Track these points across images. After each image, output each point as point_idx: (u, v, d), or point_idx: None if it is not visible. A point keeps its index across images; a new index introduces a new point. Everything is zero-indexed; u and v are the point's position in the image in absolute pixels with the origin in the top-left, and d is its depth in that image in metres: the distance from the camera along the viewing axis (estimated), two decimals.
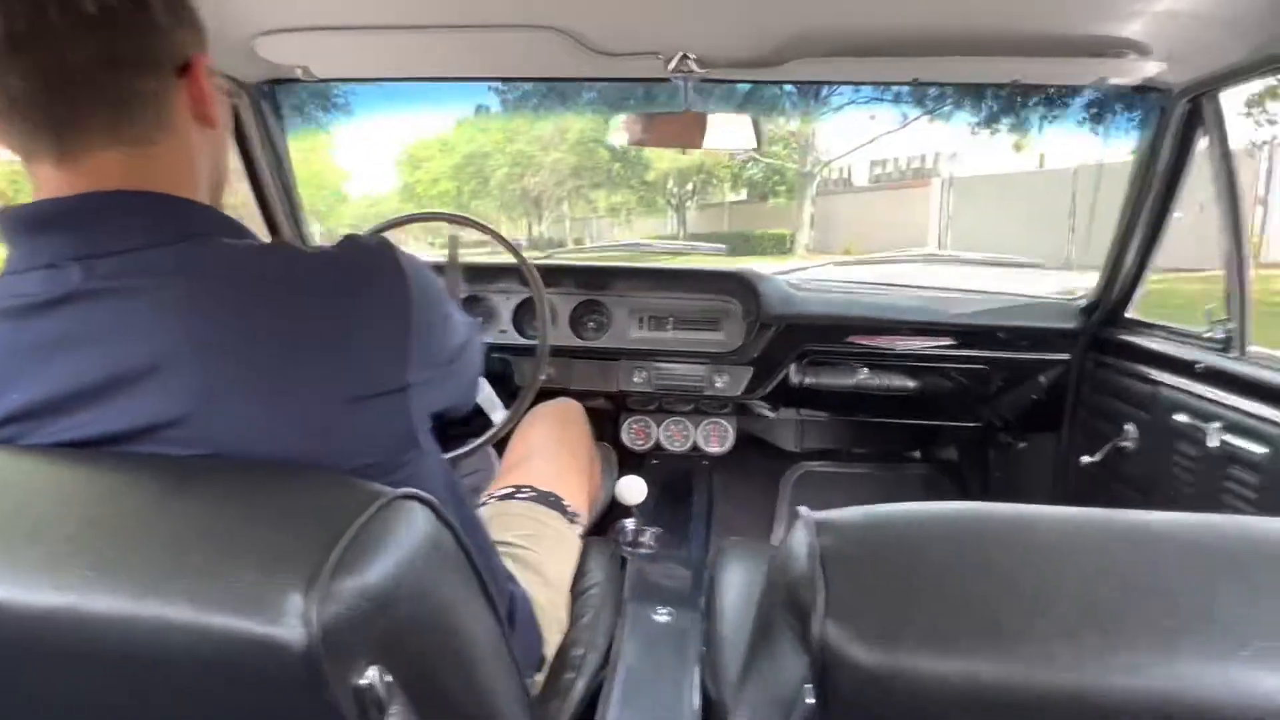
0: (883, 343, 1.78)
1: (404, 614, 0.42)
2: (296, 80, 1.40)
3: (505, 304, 1.81)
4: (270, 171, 1.62)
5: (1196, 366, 1.34)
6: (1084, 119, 1.61)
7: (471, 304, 1.79)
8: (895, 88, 1.41)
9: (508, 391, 1.43)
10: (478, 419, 1.34)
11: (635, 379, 1.83)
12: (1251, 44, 1.09)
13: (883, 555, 0.41)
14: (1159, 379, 1.44)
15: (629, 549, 1.56)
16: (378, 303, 0.58)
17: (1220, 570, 0.39)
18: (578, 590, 1.19)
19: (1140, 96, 1.39)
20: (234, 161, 1.56)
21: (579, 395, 1.77)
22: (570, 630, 1.10)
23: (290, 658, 0.35)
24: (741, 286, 1.80)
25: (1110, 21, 1.12)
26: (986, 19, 1.13)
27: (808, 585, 0.39)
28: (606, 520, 1.71)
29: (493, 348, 1.61)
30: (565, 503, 1.19)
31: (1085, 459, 1.67)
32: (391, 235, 1.23)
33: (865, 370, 1.86)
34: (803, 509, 0.44)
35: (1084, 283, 1.79)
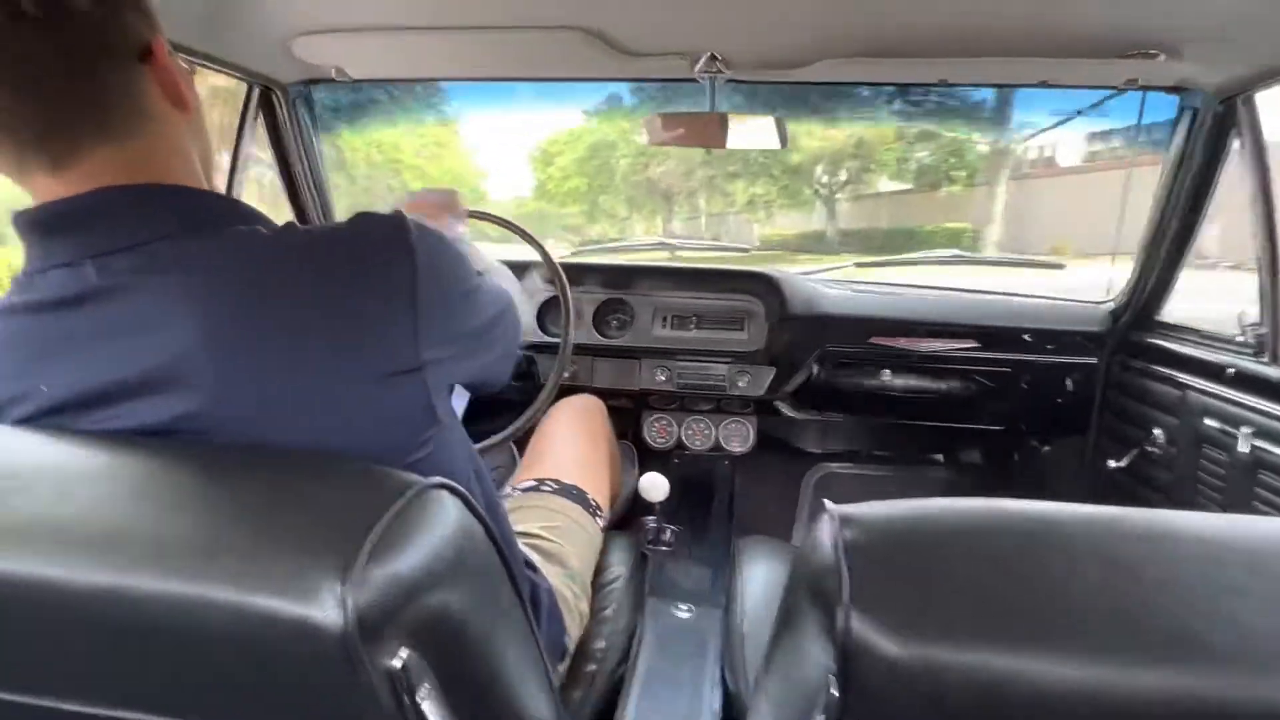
0: (905, 344, 1.77)
1: (435, 600, 0.43)
2: (331, 80, 1.43)
3: (530, 302, 1.83)
4: (304, 170, 1.66)
5: (1228, 371, 1.32)
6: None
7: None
8: None
9: (531, 388, 1.45)
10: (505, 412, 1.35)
11: (658, 377, 1.84)
12: None
13: (905, 548, 0.41)
14: (1188, 383, 1.42)
15: (650, 545, 1.57)
16: (381, 278, 0.57)
17: (1239, 568, 0.39)
18: (599, 584, 1.20)
19: (1172, 97, 1.37)
20: (265, 155, 1.60)
21: (601, 393, 1.79)
22: (591, 623, 1.12)
23: (326, 639, 0.37)
24: (765, 286, 1.80)
25: (1141, 22, 1.11)
26: (1015, 20, 1.13)
27: (832, 576, 0.40)
28: (628, 517, 1.73)
29: None
30: (588, 496, 1.20)
31: (1112, 463, 1.65)
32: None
33: (887, 371, 1.86)
34: (827, 502, 0.45)
35: None
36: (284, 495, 0.45)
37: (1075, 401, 1.78)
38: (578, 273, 1.83)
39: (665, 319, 1.84)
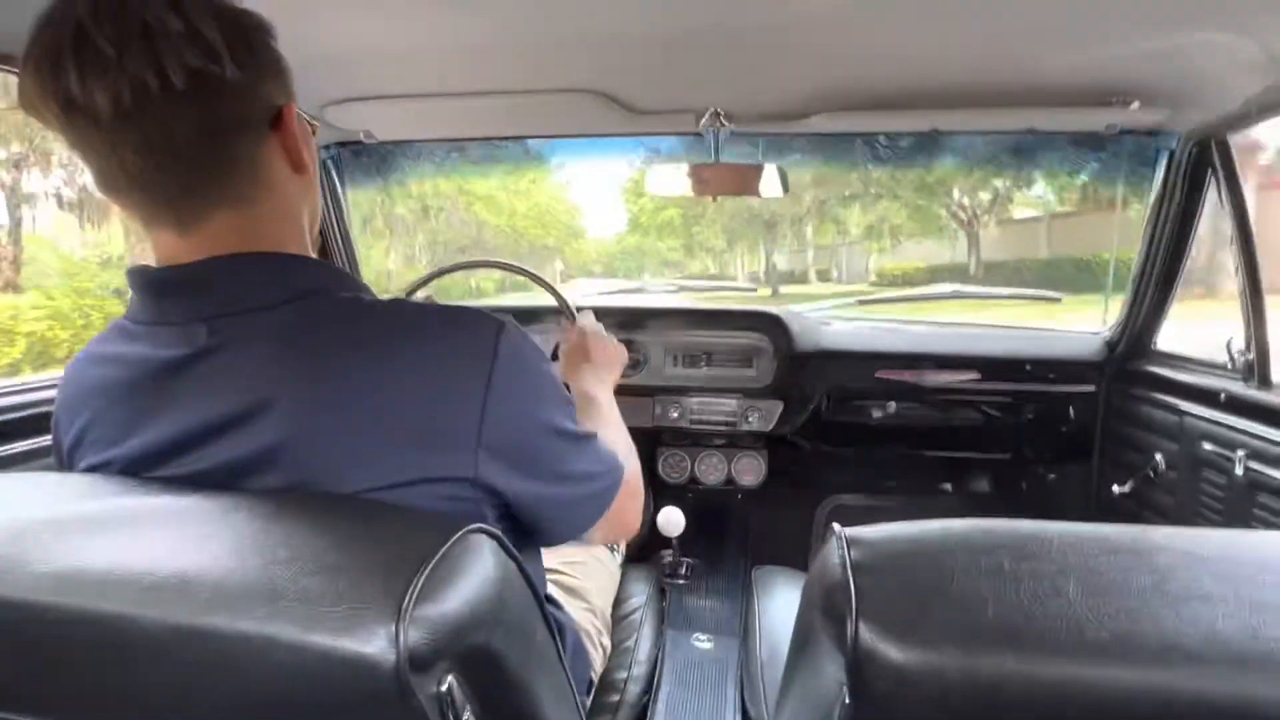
0: (910, 377, 1.82)
1: (478, 637, 0.46)
2: (359, 143, 1.53)
3: (545, 344, 1.88)
4: (334, 227, 1.75)
5: (1220, 396, 1.37)
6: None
7: None
8: None
9: None
10: None
11: (671, 414, 1.90)
12: (1248, 93, 1.15)
13: (907, 563, 0.45)
14: (1185, 409, 1.47)
15: (669, 578, 1.61)
16: (456, 378, 0.57)
17: (1215, 578, 0.42)
18: (618, 616, 1.23)
19: (1151, 140, 1.45)
20: None
21: None
22: (613, 654, 1.15)
23: (381, 674, 0.40)
24: (772, 324, 1.86)
25: (1115, 73, 1.19)
26: (999, 73, 1.21)
27: (842, 591, 0.43)
28: (645, 550, 1.76)
29: None
30: None
31: (1116, 488, 1.68)
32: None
33: (894, 404, 1.91)
34: (835, 525, 0.50)
35: None
36: (339, 539, 0.48)
37: (1078, 429, 1.82)
38: (596, 315, 1.90)
39: (677, 358, 1.91)
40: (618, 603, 1.27)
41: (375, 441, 0.55)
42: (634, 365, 1.93)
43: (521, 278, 1.51)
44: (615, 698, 1.08)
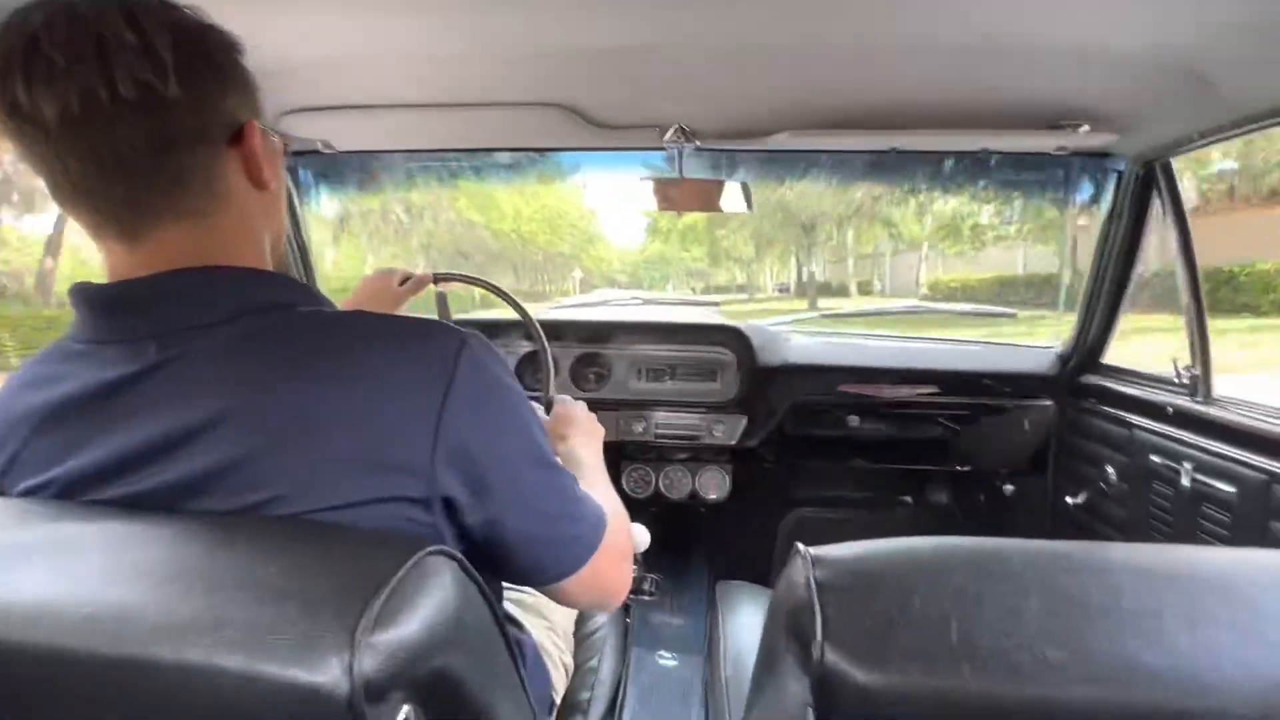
0: (871, 391, 1.85)
1: (436, 663, 0.45)
2: (317, 152, 1.50)
3: (509, 359, 1.87)
4: (290, 238, 1.70)
5: (1167, 410, 1.42)
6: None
7: None
8: None
9: None
10: None
11: (635, 428, 1.89)
12: (1190, 119, 1.20)
13: (872, 584, 0.45)
14: (1134, 422, 1.52)
15: (632, 595, 1.59)
16: (410, 393, 0.56)
17: (1168, 595, 0.44)
18: (582, 634, 1.22)
19: (1100, 162, 1.51)
20: None
21: None
22: (576, 674, 1.13)
23: (334, 704, 0.39)
24: (735, 338, 1.88)
25: (1066, 98, 1.23)
26: (954, 96, 1.24)
27: (807, 612, 0.43)
28: None
29: None
30: None
31: (1070, 500, 1.73)
32: None
33: (855, 418, 1.93)
34: (799, 544, 0.50)
35: None
36: (288, 564, 0.46)
37: (1033, 442, 1.87)
38: (555, 329, 1.89)
39: (641, 371, 1.90)
40: (580, 621, 1.25)
41: (329, 459, 0.53)
42: (598, 379, 1.92)
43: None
44: (578, 718, 1.06)
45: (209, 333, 0.55)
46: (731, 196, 1.47)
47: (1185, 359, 1.41)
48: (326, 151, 1.49)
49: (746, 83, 1.22)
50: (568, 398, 1.14)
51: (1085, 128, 1.28)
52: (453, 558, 0.50)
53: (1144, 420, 1.49)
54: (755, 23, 1.01)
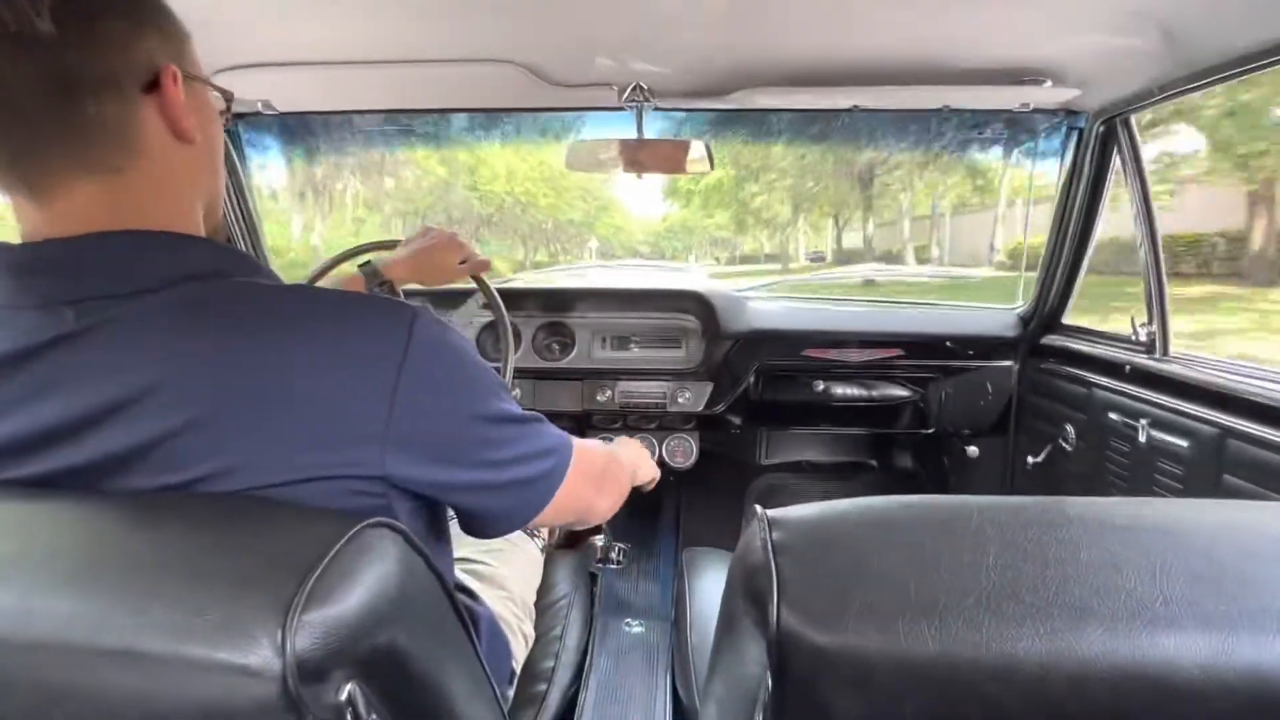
0: (836, 355, 1.85)
1: (381, 638, 0.43)
2: (257, 114, 1.42)
3: (468, 329, 1.83)
4: (232, 202, 1.63)
5: (1125, 368, 1.43)
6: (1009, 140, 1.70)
7: None
8: None
9: None
10: None
11: (599, 398, 1.87)
12: (1151, 73, 1.20)
13: (828, 544, 0.44)
14: (1093, 380, 1.54)
15: (599, 564, 1.59)
16: (359, 371, 0.53)
17: (1124, 546, 0.43)
18: (545, 604, 1.21)
19: (1060, 119, 1.50)
20: None
21: (545, 415, 1.80)
22: (539, 643, 1.12)
23: (266, 686, 0.37)
24: (698, 304, 1.86)
25: (1028, 52, 1.21)
26: (917, 51, 1.22)
27: (763, 575, 0.42)
28: (577, 537, 1.74)
29: None
30: None
31: (1031, 459, 1.75)
32: None
33: (821, 382, 1.93)
34: (758, 507, 0.48)
35: None
36: (217, 540, 0.44)
37: (995, 403, 1.89)
38: (516, 298, 1.85)
39: (604, 340, 1.88)
40: (543, 591, 1.24)
41: (269, 436, 0.50)
42: (562, 349, 1.89)
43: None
44: (542, 687, 1.05)
45: (134, 301, 0.51)
46: (696, 157, 1.44)
47: (1142, 317, 1.42)
48: (267, 113, 1.41)
49: (704, 39, 1.19)
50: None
51: (1048, 83, 1.27)
52: (394, 529, 0.48)
53: (1103, 379, 1.51)
54: None
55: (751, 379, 1.89)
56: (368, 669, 0.42)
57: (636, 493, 1.08)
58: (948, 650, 0.38)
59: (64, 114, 0.50)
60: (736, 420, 2.00)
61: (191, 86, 0.55)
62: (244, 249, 1.68)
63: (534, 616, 1.16)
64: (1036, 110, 1.42)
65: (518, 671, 1.03)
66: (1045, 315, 1.77)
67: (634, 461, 1.03)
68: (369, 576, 0.43)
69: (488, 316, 1.80)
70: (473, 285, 1.45)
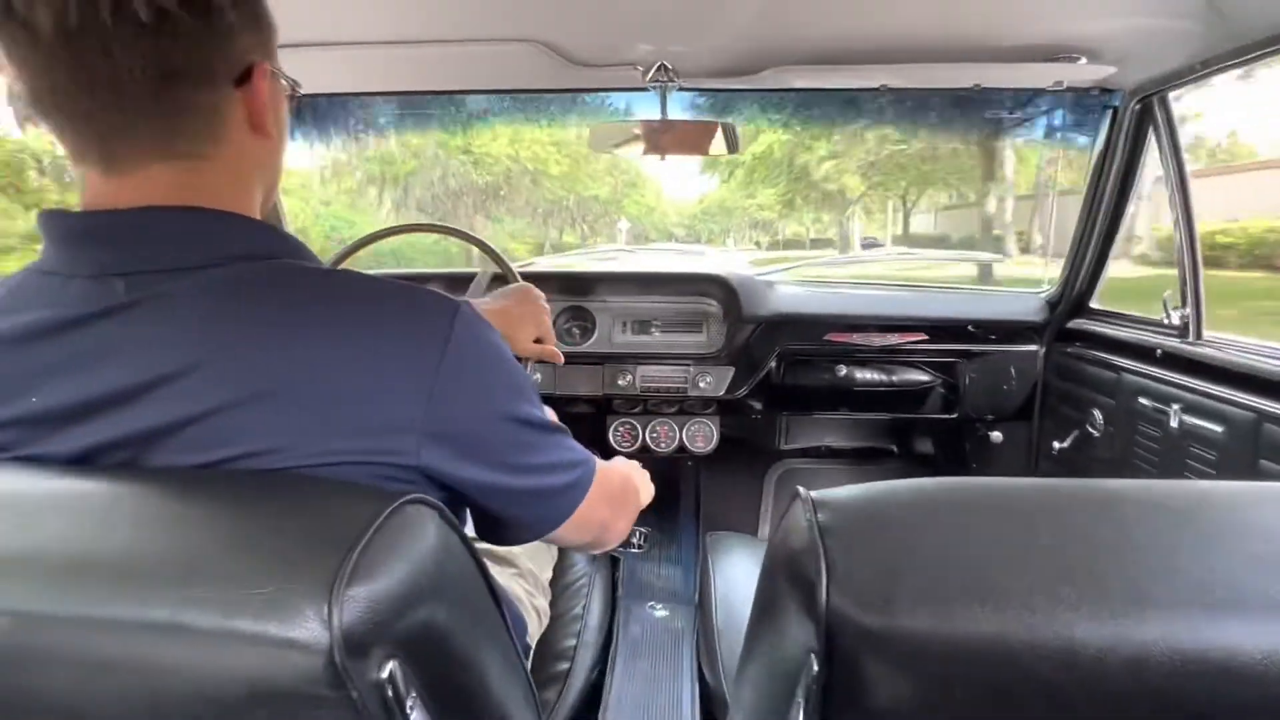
0: (858, 339, 1.83)
1: (420, 614, 0.43)
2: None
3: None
4: None
5: (1157, 352, 1.41)
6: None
7: None
8: None
9: None
10: None
11: (620, 382, 1.86)
12: (1192, 50, 1.16)
13: (876, 526, 0.44)
14: (1123, 365, 1.51)
15: (621, 548, 1.59)
16: (402, 361, 0.53)
17: (1180, 529, 0.43)
18: (564, 584, 1.22)
19: (1095, 97, 1.46)
20: None
21: (565, 400, 1.81)
22: (558, 622, 1.13)
23: (313, 659, 0.37)
24: (721, 288, 1.84)
25: (1064, 28, 1.18)
26: (950, 28, 1.19)
27: (809, 557, 0.42)
28: None
29: None
30: None
31: (1056, 445, 1.73)
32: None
33: (843, 367, 1.92)
34: (800, 488, 0.48)
35: None
36: (259, 516, 0.44)
37: (1019, 388, 1.87)
38: (536, 281, 1.84)
39: (625, 324, 1.87)
40: (561, 570, 1.24)
41: (308, 419, 0.51)
42: (583, 333, 1.88)
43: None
44: (564, 665, 1.06)
45: (184, 277, 0.52)
46: (720, 138, 1.42)
47: (1175, 299, 1.40)
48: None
49: (731, 17, 1.16)
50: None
51: (1083, 60, 1.23)
52: (432, 506, 0.48)
53: (1132, 363, 1.48)
54: None
55: (773, 363, 1.87)
56: (407, 647, 0.42)
57: (652, 473, 1.08)
58: (1003, 633, 0.38)
59: (161, 100, 0.51)
60: (757, 405, 1.99)
61: (274, 81, 0.57)
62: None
63: (549, 594, 1.17)
64: (1070, 88, 1.39)
65: (532, 647, 1.03)
66: (1073, 299, 1.74)
67: (644, 491, 1.03)
68: (410, 552, 0.43)
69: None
70: (478, 269, 1.45)
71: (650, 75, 1.36)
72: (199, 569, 0.40)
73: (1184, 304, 1.38)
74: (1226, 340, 1.32)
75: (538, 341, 1.16)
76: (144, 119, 0.51)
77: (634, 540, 1.68)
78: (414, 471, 0.54)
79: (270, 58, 0.57)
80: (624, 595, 1.45)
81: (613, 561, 1.41)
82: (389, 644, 0.41)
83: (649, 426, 2.02)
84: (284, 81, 0.60)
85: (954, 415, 2.01)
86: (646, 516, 1.78)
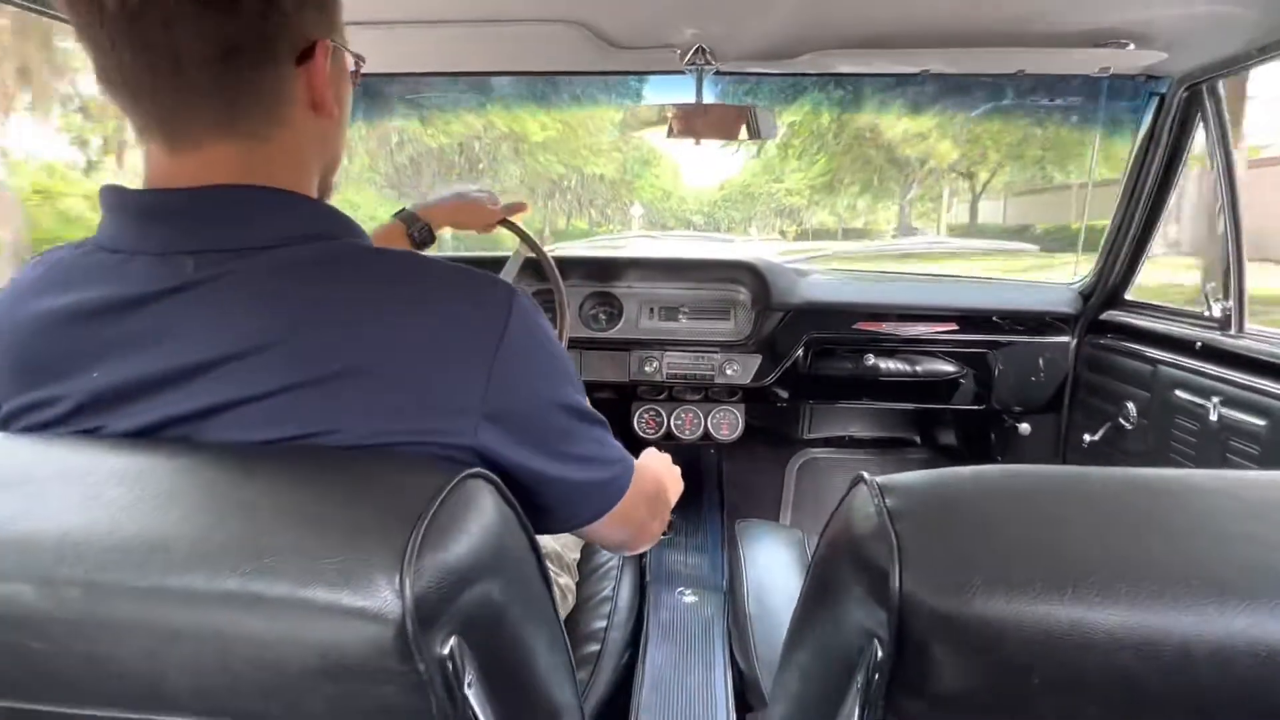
0: (887, 329, 1.82)
1: (481, 588, 0.44)
2: None
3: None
4: None
5: (1196, 345, 1.39)
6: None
7: None
8: None
9: None
10: None
11: (646, 369, 1.86)
12: (1247, 34, 1.13)
13: (949, 511, 0.43)
14: (1159, 358, 1.49)
15: None
16: (462, 342, 0.54)
17: (1256, 519, 0.42)
18: (593, 566, 1.22)
19: (1140, 84, 1.43)
20: None
21: (590, 386, 1.81)
22: (588, 604, 1.14)
23: (385, 629, 0.37)
24: (750, 275, 1.83)
25: (1113, 13, 1.15)
26: (994, 11, 1.17)
27: (878, 541, 0.42)
28: None
29: None
30: None
31: (1087, 437, 1.71)
32: None
33: (870, 356, 1.90)
34: (864, 474, 0.48)
35: None
36: (326, 489, 0.44)
37: (1049, 380, 1.85)
38: (563, 266, 1.84)
39: (652, 310, 1.86)
40: (589, 552, 1.25)
41: (369, 400, 0.51)
42: (609, 319, 1.88)
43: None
44: (595, 647, 1.06)
45: (251, 256, 0.52)
46: (756, 124, 1.40)
47: (1217, 291, 1.37)
48: None
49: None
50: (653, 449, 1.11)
51: (1131, 46, 1.21)
52: (490, 481, 0.48)
53: (1170, 355, 1.46)
54: None
55: (800, 352, 1.86)
56: (467, 623, 0.42)
57: (677, 460, 1.08)
58: (1083, 620, 0.37)
59: (221, 77, 0.51)
60: (783, 393, 1.98)
61: (335, 57, 0.57)
62: None
63: (575, 575, 1.17)
64: (1116, 75, 1.36)
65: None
66: (1108, 290, 1.72)
67: (673, 490, 1.03)
68: (473, 525, 0.44)
69: (537, 285, 1.80)
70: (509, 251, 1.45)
71: (688, 58, 1.34)
72: (269, 540, 0.40)
73: (1226, 296, 1.35)
74: (1271, 333, 1.29)
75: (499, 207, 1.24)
76: (205, 96, 0.51)
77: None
78: (469, 452, 0.55)
79: (334, 33, 0.57)
80: (652, 581, 1.45)
81: None
82: (454, 619, 0.41)
83: (674, 413, 2.02)
84: (349, 58, 0.60)
85: (981, 406, 1.99)
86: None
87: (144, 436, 0.52)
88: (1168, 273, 1.77)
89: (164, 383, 0.51)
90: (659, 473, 0.86)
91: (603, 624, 1.10)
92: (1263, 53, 1.14)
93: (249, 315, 0.51)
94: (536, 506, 0.64)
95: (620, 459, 0.68)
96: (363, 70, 0.64)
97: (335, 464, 0.48)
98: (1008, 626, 0.38)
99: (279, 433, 0.51)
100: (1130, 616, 0.37)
